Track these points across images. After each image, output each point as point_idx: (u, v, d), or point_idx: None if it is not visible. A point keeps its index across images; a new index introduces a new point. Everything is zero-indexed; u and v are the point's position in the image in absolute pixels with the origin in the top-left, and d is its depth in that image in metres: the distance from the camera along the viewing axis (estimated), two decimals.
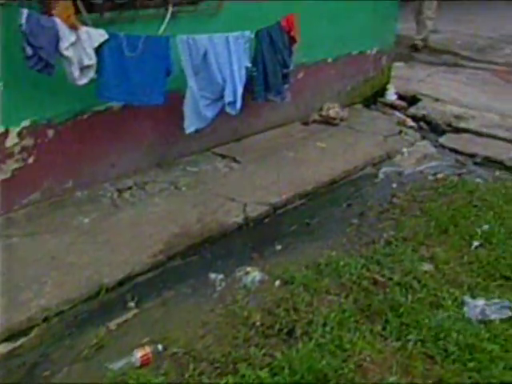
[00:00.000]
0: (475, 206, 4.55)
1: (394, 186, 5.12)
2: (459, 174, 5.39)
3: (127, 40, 4.24)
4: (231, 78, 4.80)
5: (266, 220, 4.50)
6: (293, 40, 5.26)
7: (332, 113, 6.30)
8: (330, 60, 6.48)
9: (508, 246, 4.01)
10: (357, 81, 7.03)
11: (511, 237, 4.14)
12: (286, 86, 5.43)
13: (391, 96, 7.36)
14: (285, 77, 5.34)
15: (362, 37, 6.91)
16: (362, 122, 6.48)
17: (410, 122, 6.71)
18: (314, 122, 6.27)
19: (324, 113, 6.32)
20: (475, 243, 4.06)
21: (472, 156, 5.87)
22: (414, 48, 9.90)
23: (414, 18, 10.24)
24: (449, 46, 10.88)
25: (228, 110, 4.88)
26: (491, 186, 4.99)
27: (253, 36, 4.98)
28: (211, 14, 5.01)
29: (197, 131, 4.89)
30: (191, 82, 4.65)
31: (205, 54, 4.64)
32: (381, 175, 5.34)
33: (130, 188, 4.73)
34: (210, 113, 4.84)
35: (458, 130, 6.54)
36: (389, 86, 7.44)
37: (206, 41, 4.63)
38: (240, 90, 4.85)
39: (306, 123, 6.21)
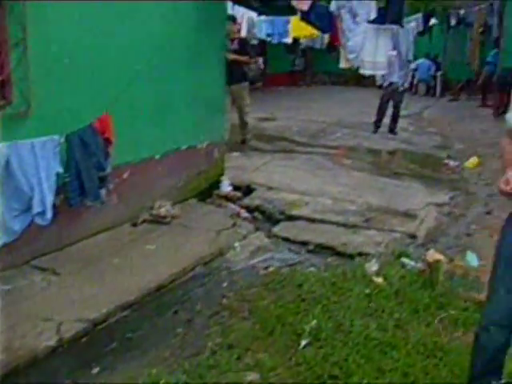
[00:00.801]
0: (304, 301, 4.42)
1: (225, 285, 4.88)
2: (292, 265, 5.31)
3: None
4: (39, 186, 4.46)
5: (84, 339, 4.06)
6: (108, 141, 5.05)
7: (163, 211, 6.07)
8: (157, 157, 6.32)
9: (336, 341, 3.89)
10: (188, 176, 6.91)
11: (339, 330, 4.04)
12: (106, 189, 5.17)
13: (226, 187, 7.27)
14: (102, 180, 5.09)
15: (191, 131, 6.88)
16: (195, 218, 6.29)
17: (244, 214, 6.61)
18: (144, 222, 5.98)
19: (155, 211, 6.08)
20: (303, 342, 3.88)
21: (305, 244, 5.83)
22: (243, 142, 10.04)
23: None
24: (285, 133, 11.24)
25: (38, 220, 4.52)
26: (321, 275, 4.92)
27: (63, 140, 4.71)
28: (18, 119, 4.70)
29: (5, 245, 4.46)
30: None
31: (7, 163, 4.30)
32: (211, 275, 5.11)
33: None
34: (18, 225, 4.44)
35: (291, 218, 6.51)
36: (223, 178, 7.38)
37: (7, 149, 4.29)
38: (50, 199, 4.52)
39: (135, 224, 5.90)
